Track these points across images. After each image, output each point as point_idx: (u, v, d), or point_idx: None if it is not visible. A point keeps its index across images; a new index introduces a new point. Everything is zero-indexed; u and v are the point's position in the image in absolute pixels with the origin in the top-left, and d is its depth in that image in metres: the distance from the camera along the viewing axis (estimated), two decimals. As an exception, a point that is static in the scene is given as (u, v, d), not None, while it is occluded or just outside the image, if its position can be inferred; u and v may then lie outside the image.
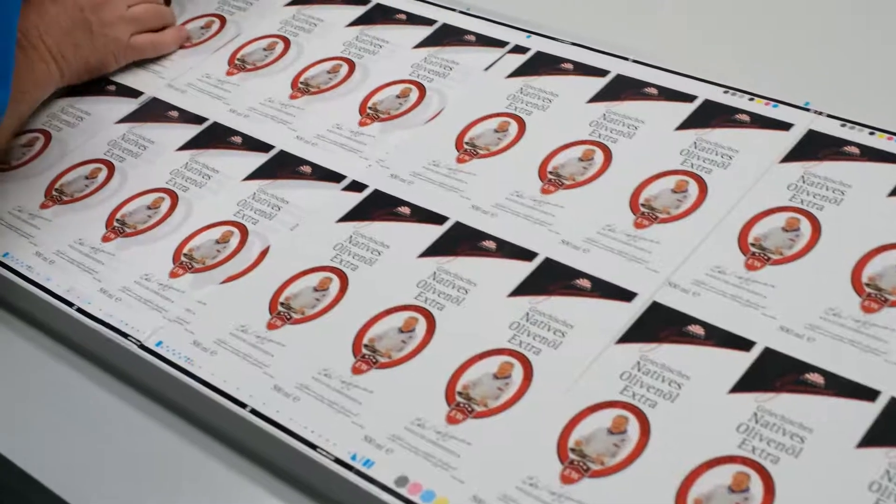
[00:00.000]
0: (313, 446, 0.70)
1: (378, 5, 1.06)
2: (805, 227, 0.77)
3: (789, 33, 0.98)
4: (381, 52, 1.01)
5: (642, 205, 0.81)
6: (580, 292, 0.76)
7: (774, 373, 0.69)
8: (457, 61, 0.98)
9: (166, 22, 1.07)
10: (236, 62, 1.04)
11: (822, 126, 0.84)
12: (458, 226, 0.83)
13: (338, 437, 0.71)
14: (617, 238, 0.79)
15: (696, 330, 0.72)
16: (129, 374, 0.80)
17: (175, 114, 0.99)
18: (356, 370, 0.74)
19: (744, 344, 0.71)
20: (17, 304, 0.87)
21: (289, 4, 1.09)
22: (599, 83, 0.92)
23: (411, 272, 0.80)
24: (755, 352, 0.70)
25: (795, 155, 0.82)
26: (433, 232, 0.83)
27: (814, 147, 0.83)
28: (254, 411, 0.73)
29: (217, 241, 0.86)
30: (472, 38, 1.00)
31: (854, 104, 0.85)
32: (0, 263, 0.87)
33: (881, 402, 0.66)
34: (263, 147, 0.93)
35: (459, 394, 0.72)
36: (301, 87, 0.99)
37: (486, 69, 0.96)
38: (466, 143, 0.90)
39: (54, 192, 0.93)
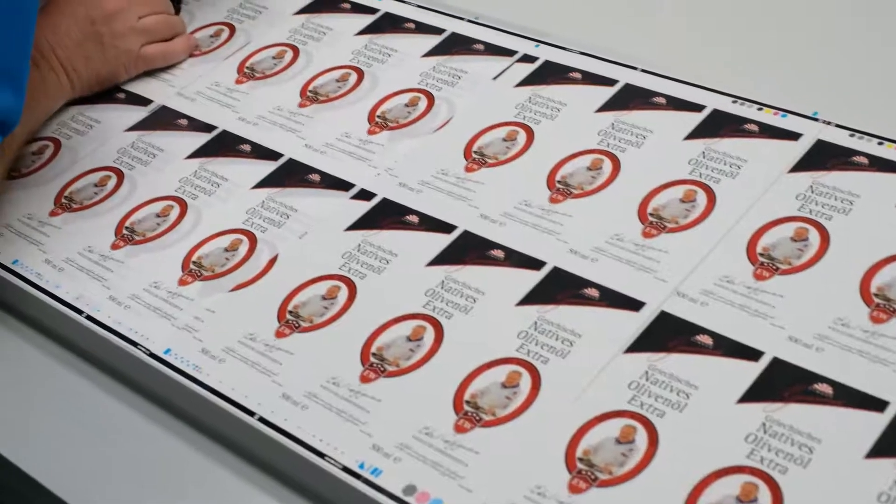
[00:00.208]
0: (321, 455, 0.71)
1: (387, 14, 1.06)
2: (813, 236, 0.77)
3: (798, 43, 0.98)
4: (389, 60, 1.01)
5: (651, 214, 0.81)
6: (588, 301, 0.76)
7: (783, 383, 0.69)
8: (465, 70, 0.98)
9: (176, 32, 1.07)
10: (245, 70, 1.04)
11: (830, 136, 0.84)
12: (467, 235, 0.83)
13: (346, 445, 0.71)
14: (625, 247, 0.79)
15: (705, 340, 0.72)
16: (138, 381, 0.80)
17: (184, 122, 1.00)
18: (364, 379, 0.74)
19: (752, 354, 0.71)
20: (27, 312, 0.87)
21: (298, 13, 1.09)
22: (608, 92, 0.92)
23: (419, 281, 0.80)
24: (763, 362, 0.70)
25: (804, 165, 0.82)
26: (441, 241, 0.83)
27: (822, 157, 0.83)
28: (262, 419, 0.73)
29: (226, 249, 0.86)
30: (481, 46, 1.00)
31: (863, 114, 0.85)
32: (9, 270, 0.88)
33: (890, 412, 0.66)
34: (272, 155, 0.94)
35: (467, 403, 0.72)
36: (310, 96, 0.99)
37: (495, 78, 0.97)
38: (475, 152, 0.90)
39: (64, 200, 0.94)
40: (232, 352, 0.78)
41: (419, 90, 0.97)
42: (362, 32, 1.05)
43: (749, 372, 0.70)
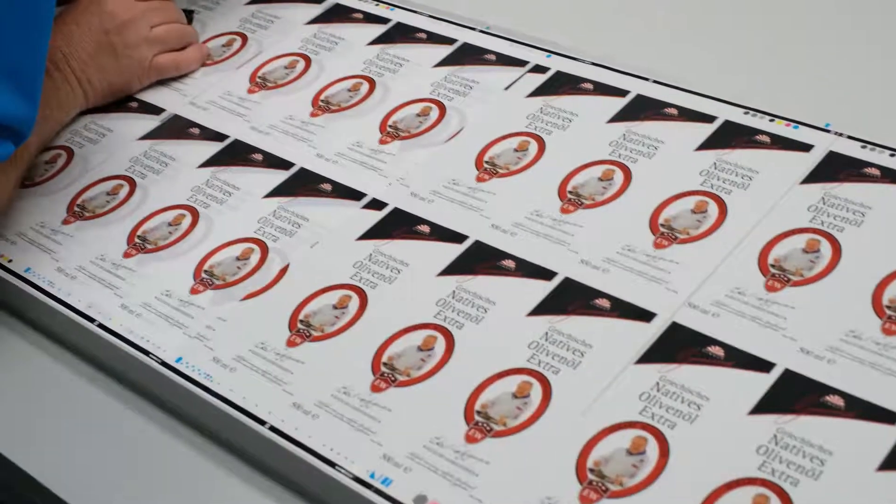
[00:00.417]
0: (332, 464, 0.71)
1: (399, 24, 1.07)
2: (825, 248, 0.77)
3: (810, 55, 0.98)
4: (401, 70, 1.01)
5: (662, 225, 0.81)
6: (599, 312, 0.76)
7: (794, 395, 0.69)
8: (477, 80, 0.98)
9: (188, 41, 1.08)
10: (257, 80, 1.04)
11: (842, 147, 0.84)
12: (478, 245, 0.83)
13: (356, 454, 0.71)
14: (636, 258, 0.79)
15: (716, 351, 0.72)
16: (149, 389, 0.80)
17: (196, 131, 1.00)
18: (375, 388, 0.75)
19: (764, 365, 0.71)
20: (39, 320, 0.87)
21: (310, 23, 1.10)
22: (619, 103, 0.92)
23: (431, 290, 0.80)
24: (775, 373, 0.70)
25: (816, 176, 0.82)
26: (453, 250, 0.83)
27: (834, 168, 0.83)
28: (273, 428, 0.73)
29: (237, 258, 0.86)
30: (493, 57, 1.00)
31: (875, 126, 0.85)
32: (22, 278, 0.88)
33: (902, 424, 0.66)
34: (284, 164, 0.94)
35: (478, 413, 0.72)
36: (322, 105, 0.99)
37: (507, 88, 0.97)
38: (486, 162, 0.90)
39: (76, 208, 0.94)
40: (243, 361, 0.78)
41: (431, 100, 0.97)
42: (374, 42, 1.05)
43: (760, 383, 0.70)
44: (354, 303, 0.81)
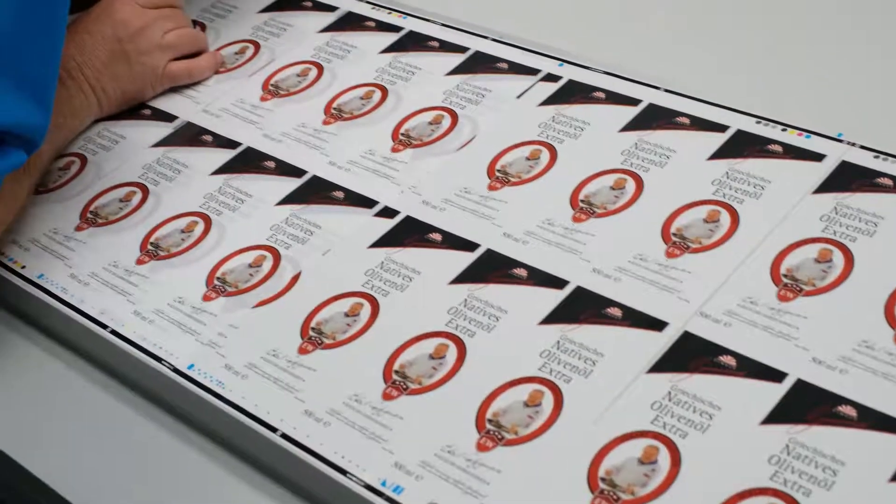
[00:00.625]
0: (343, 472, 0.71)
1: (411, 32, 1.07)
2: (838, 258, 0.77)
3: (823, 64, 0.98)
4: (413, 78, 1.02)
5: (674, 234, 0.81)
6: (611, 321, 0.76)
7: (807, 405, 0.69)
8: (489, 89, 0.98)
9: (200, 47, 1.08)
10: (270, 87, 1.05)
11: (855, 157, 0.84)
12: (490, 253, 0.83)
13: (368, 462, 0.71)
14: (648, 267, 0.79)
15: (728, 360, 0.72)
16: (161, 396, 0.81)
17: (209, 138, 1.00)
18: (387, 396, 0.75)
19: (776, 375, 0.71)
20: (52, 326, 0.88)
21: (322, 31, 1.10)
22: (631, 112, 0.92)
23: (442, 299, 0.80)
24: (787, 383, 0.70)
25: (828, 186, 0.82)
26: (464, 259, 0.83)
27: (846, 178, 0.82)
28: (284, 436, 0.74)
29: (250, 265, 0.86)
30: (505, 65, 1.01)
31: (888, 136, 0.85)
32: (35, 285, 0.88)
33: (915, 435, 0.66)
34: (296, 172, 0.94)
35: (490, 421, 0.72)
36: (334, 113, 1.00)
37: (519, 97, 0.97)
38: (498, 171, 0.90)
39: (89, 215, 0.94)
40: (255, 368, 0.78)
41: (443, 108, 0.97)
42: (386, 50, 1.06)
43: (772, 393, 0.70)
44: (366, 311, 0.81)
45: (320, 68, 1.05)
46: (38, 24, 0.84)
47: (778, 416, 0.68)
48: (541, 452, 0.70)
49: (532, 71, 0.99)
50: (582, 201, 0.85)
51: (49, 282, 0.88)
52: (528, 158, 0.90)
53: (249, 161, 0.97)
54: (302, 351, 0.79)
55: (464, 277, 0.82)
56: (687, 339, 0.74)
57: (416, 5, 1.10)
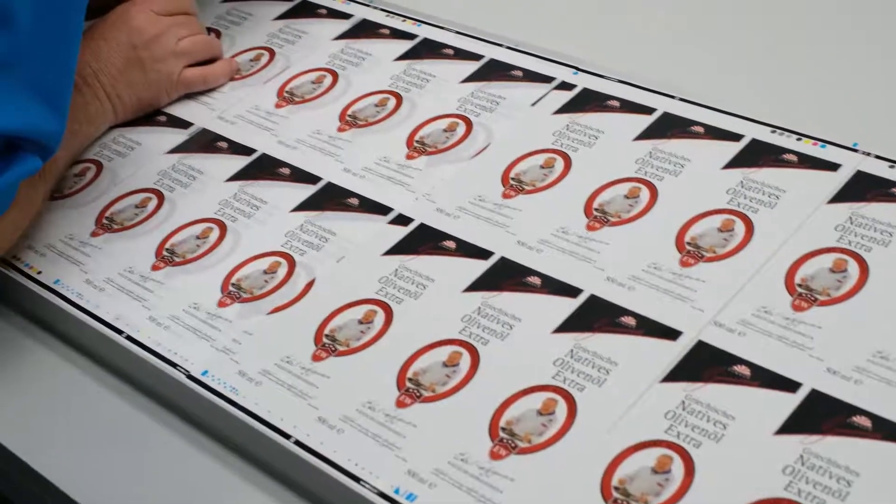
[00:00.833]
0: (357, 479, 0.71)
1: (426, 40, 1.07)
2: (853, 268, 0.77)
3: (838, 73, 0.98)
4: (428, 86, 1.02)
5: (688, 243, 0.81)
6: (625, 330, 0.76)
7: (821, 415, 0.68)
8: (503, 96, 0.98)
9: (214, 53, 1.09)
10: (285, 94, 1.05)
11: (870, 167, 0.84)
12: (503, 261, 0.83)
13: (381, 470, 0.71)
14: (662, 276, 0.79)
15: (742, 370, 0.72)
16: (175, 401, 0.81)
17: (224, 145, 1.00)
18: (400, 404, 0.75)
19: (790, 385, 0.70)
20: (68, 331, 0.88)
21: (337, 38, 1.10)
22: (646, 121, 0.92)
23: (456, 306, 0.80)
24: (801, 393, 0.70)
25: (843, 196, 0.82)
26: (478, 267, 0.83)
27: (862, 188, 0.82)
28: (298, 442, 0.74)
29: (265, 272, 0.87)
30: (519, 73, 1.01)
31: (903, 145, 0.85)
32: (51, 290, 0.89)
33: (930, 447, 0.66)
34: (311, 179, 0.94)
35: (503, 429, 0.72)
36: (349, 120, 1.00)
37: (533, 105, 0.97)
38: (512, 179, 0.90)
39: (105, 221, 0.95)
40: (269, 374, 0.79)
41: (457, 116, 0.97)
42: (401, 58, 1.06)
43: (787, 403, 0.69)
44: (380, 318, 0.81)
45: (335, 75, 1.06)
46: (55, 30, 0.84)
47: (792, 426, 0.68)
48: (554, 461, 0.70)
49: (547, 79, 0.99)
50: (596, 210, 0.85)
51: (65, 287, 0.89)
52: (542, 166, 0.91)
53: (264, 168, 0.97)
54: (316, 358, 0.79)
55: (478, 285, 0.82)
56: (701, 348, 0.74)
57: (431, 13, 1.10)
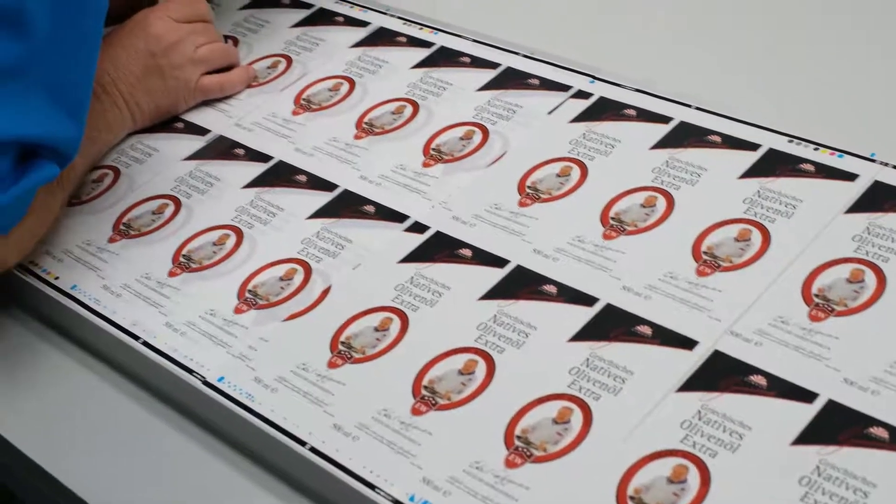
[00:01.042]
0: (372, 486, 0.71)
1: (442, 48, 1.07)
2: (870, 278, 0.77)
3: (856, 83, 0.97)
4: (444, 94, 1.02)
5: (704, 252, 0.81)
6: (641, 339, 0.76)
7: (838, 425, 0.68)
8: (520, 105, 0.99)
9: (232, 61, 1.09)
10: (302, 102, 1.05)
11: (887, 177, 0.84)
12: (519, 269, 0.83)
13: (396, 477, 0.71)
14: (678, 285, 0.79)
15: (759, 380, 0.72)
16: (191, 408, 0.81)
17: (241, 152, 1.01)
18: (415, 411, 0.75)
19: (807, 396, 0.70)
20: (84, 337, 0.88)
21: (354, 46, 1.11)
22: (662, 130, 0.92)
23: (472, 314, 0.80)
24: (818, 404, 0.70)
25: (860, 206, 0.82)
26: (494, 275, 0.83)
27: (879, 198, 0.82)
28: (313, 449, 0.74)
29: (281, 279, 0.87)
30: (536, 81, 1.01)
31: (921, 156, 0.85)
32: (68, 296, 0.89)
33: (947, 458, 0.66)
34: (328, 186, 0.95)
35: (518, 438, 0.72)
36: (365, 128, 1.00)
37: (550, 113, 0.97)
38: (528, 187, 0.90)
39: (122, 227, 0.95)
40: (284, 381, 0.79)
41: (474, 124, 0.98)
42: (418, 66, 1.06)
43: (803, 414, 0.69)
44: (395, 325, 0.81)
45: (352, 83, 1.06)
46: (73, 37, 0.85)
47: (809, 436, 0.68)
48: (569, 470, 0.69)
49: (563, 87, 0.99)
50: (612, 218, 0.85)
51: (82, 293, 0.89)
52: (558, 175, 0.91)
53: (281, 175, 0.97)
54: (331, 365, 0.79)
55: (493, 293, 0.82)
56: (717, 357, 0.74)
57: (448, 21, 1.10)
